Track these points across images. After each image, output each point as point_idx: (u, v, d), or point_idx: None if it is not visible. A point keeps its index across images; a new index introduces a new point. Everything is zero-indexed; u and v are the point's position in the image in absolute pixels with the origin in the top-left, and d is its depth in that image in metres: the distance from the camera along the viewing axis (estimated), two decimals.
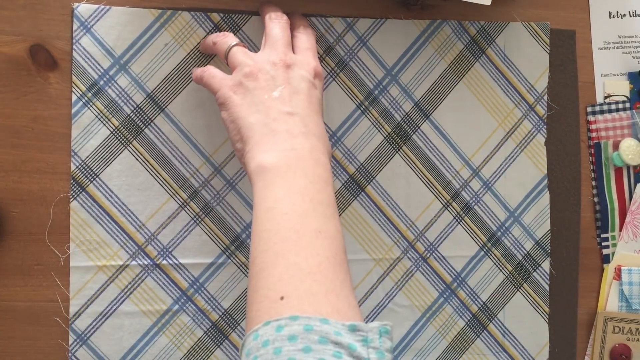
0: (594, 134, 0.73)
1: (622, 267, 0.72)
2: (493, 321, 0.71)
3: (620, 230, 0.73)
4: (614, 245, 0.73)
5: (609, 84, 0.73)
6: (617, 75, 0.73)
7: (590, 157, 0.73)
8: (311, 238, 0.48)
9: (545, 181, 0.72)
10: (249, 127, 0.54)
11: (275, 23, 0.60)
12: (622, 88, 0.73)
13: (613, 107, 0.72)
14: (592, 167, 0.73)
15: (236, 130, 0.55)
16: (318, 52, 0.67)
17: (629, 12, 0.73)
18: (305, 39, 0.61)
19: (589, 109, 0.73)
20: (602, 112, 0.72)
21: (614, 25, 0.73)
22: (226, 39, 0.60)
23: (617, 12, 0.73)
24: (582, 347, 0.73)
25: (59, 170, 0.64)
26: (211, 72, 0.59)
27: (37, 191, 0.63)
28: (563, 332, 0.73)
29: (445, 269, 0.70)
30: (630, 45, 0.73)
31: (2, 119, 0.63)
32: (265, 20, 0.61)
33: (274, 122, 0.54)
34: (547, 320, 0.72)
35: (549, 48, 0.71)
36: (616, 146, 0.72)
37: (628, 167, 0.73)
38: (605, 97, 0.73)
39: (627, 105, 0.73)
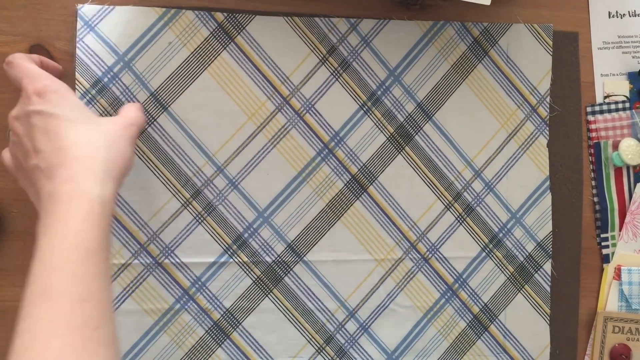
0: (593, 134, 0.73)
1: (622, 267, 0.72)
2: (494, 322, 0.72)
3: (620, 230, 0.73)
4: (614, 245, 0.73)
5: (609, 83, 0.73)
6: (617, 75, 0.73)
7: (590, 157, 0.73)
8: None
9: (547, 183, 0.72)
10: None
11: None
12: (621, 88, 0.73)
13: (613, 107, 0.73)
14: (591, 167, 0.73)
15: None
16: (321, 52, 0.67)
17: (629, 12, 0.73)
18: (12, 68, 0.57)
19: (589, 109, 0.73)
20: (601, 112, 0.73)
21: (614, 25, 0.73)
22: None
23: (617, 12, 0.73)
24: (582, 347, 0.73)
25: None
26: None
27: None
28: (564, 333, 0.73)
29: (446, 269, 0.71)
30: (630, 45, 0.73)
31: (2, 119, 0.62)
32: None
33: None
34: (548, 322, 0.72)
35: (551, 50, 0.72)
36: (616, 146, 0.72)
37: (628, 167, 0.73)
38: (605, 97, 0.73)
39: (627, 105, 0.73)
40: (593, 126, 0.73)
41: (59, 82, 0.55)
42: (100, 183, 0.50)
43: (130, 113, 0.59)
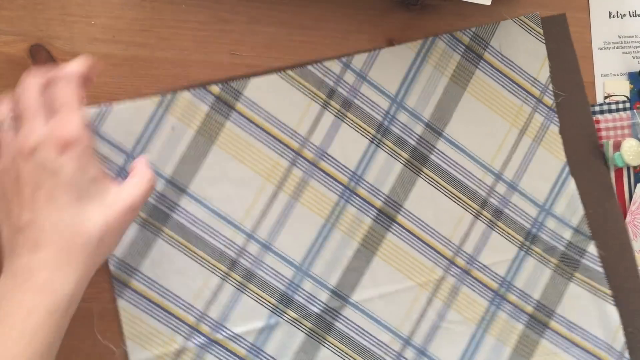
0: None
1: None
2: (553, 317, 0.71)
3: None
4: None
5: (609, 84, 0.73)
6: (617, 75, 0.73)
7: None
8: None
9: (567, 168, 0.72)
10: None
11: (23, 88, 0.52)
12: (622, 88, 0.73)
13: (613, 107, 0.72)
14: None
15: None
16: (321, 98, 0.67)
17: (629, 12, 0.73)
18: (61, 91, 0.52)
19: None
20: (602, 112, 0.72)
21: (614, 25, 0.73)
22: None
23: (617, 12, 0.73)
24: None
25: None
26: None
27: None
28: (633, 307, 0.72)
29: (489, 277, 0.70)
30: (630, 45, 0.73)
31: None
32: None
33: None
34: (613, 303, 0.71)
35: (543, 38, 0.71)
36: (617, 146, 0.72)
37: (628, 167, 0.73)
38: (605, 97, 0.73)
39: (627, 105, 0.72)
40: None
41: (90, 133, 0.51)
42: (76, 280, 0.49)
43: (143, 186, 0.55)
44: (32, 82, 0.52)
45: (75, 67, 0.53)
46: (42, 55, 0.62)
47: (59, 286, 0.48)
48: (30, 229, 0.48)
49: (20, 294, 0.47)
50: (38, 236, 0.48)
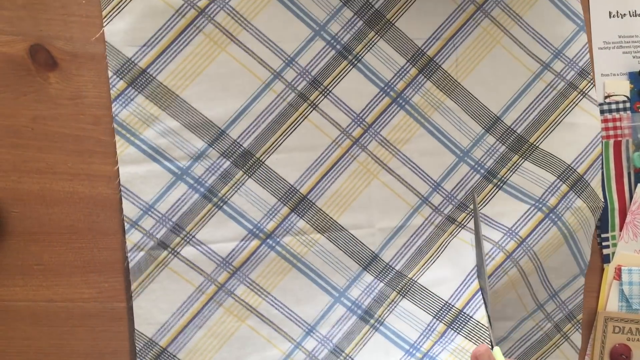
0: None
1: (622, 267, 0.72)
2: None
3: (621, 230, 0.73)
4: (614, 245, 0.73)
5: (609, 83, 0.72)
6: (617, 75, 0.73)
7: None
8: None
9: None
10: None
11: None
12: (622, 88, 0.73)
13: (613, 107, 0.72)
14: None
15: None
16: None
17: (629, 12, 0.73)
18: None
19: None
20: (602, 112, 0.72)
21: (614, 25, 0.73)
22: None
23: (617, 12, 0.73)
24: (582, 347, 0.73)
25: (59, 170, 0.64)
26: None
27: (37, 191, 0.63)
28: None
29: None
30: (630, 45, 0.73)
31: (2, 119, 0.63)
32: None
33: None
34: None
35: None
36: (617, 146, 0.72)
37: (629, 167, 0.73)
38: (606, 97, 0.73)
39: (627, 105, 0.72)
40: None
41: None
42: None
43: None
44: None
45: None
46: (42, 55, 0.62)
47: None
48: None
49: None
50: None
